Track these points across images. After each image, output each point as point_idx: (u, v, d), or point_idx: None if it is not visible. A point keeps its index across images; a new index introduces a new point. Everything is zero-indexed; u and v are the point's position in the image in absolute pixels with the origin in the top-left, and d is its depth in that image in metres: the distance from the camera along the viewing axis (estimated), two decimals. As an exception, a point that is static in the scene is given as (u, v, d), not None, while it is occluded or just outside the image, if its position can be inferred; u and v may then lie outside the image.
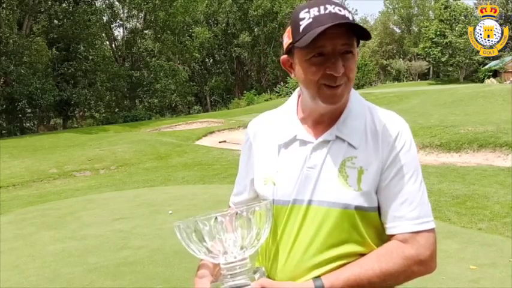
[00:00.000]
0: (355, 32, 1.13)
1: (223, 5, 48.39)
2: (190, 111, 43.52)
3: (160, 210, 6.59)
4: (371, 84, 51.25)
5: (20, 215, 7.06)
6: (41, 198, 9.03)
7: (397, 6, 71.99)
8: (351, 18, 1.13)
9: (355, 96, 1.27)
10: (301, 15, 1.14)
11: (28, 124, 32.33)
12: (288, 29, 1.20)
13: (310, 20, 1.12)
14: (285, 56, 1.24)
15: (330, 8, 1.12)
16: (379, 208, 1.20)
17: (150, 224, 5.86)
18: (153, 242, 5.03)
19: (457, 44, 46.65)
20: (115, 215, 6.47)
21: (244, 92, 43.75)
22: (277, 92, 40.89)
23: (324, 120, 1.23)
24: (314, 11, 1.12)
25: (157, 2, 37.68)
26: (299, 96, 1.31)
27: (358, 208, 1.16)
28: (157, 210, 6.59)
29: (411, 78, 64.09)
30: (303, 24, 1.13)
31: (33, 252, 4.96)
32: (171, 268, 4.18)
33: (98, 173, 12.46)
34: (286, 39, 1.20)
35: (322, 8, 1.12)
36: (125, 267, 4.30)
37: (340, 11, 1.12)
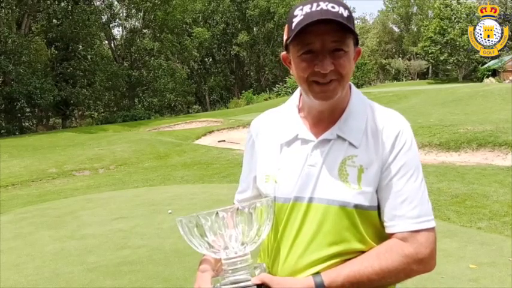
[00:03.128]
0: (348, 28, 1.12)
1: (221, 5, 48.40)
2: (190, 111, 43.47)
3: (159, 209, 6.58)
4: (370, 84, 51.19)
5: (19, 215, 7.06)
6: (40, 197, 9.03)
7: (396, 5, 71.96)
8: (345, 15, 1.12)
9: (357, 95, 1.28)
10: (295, 12, 1.15)
11: (27, 123, 32.34)
12: (286, 27, 1.21)
13: (302, 16, 1.12)
14: (284, 53, 1.25)
15: (323, 5, 1.11)
16: (379, 207, 1.20)
17: (150, 223, 5.85)
18: (153, 242, 5.03)
19: (458, 43, 46.57)
20: (114, 215, 6.47)
21: (243, 91, 43.75)
22: (276, 91, 40.91)
23: (325, 119, 1.24)
24: (306, 8, 1.13)
25: (155, 1, 37.66)
26: (301, 94, 1.31)
27: (357, 206, 1.17)
28: (156, 210, 6.59)
29: (410, 78, 64.10)
30: (295, 21, 1.13)
31: (33, 252, 4.96)
32: (171, 267, 4.18)
33: (97, 173, 12.45)
34: (285, 37, 1.22)
35: (315, 4, 1.12)
36: (125, 267, 4.29)
37: (333, 7, 1.11)
